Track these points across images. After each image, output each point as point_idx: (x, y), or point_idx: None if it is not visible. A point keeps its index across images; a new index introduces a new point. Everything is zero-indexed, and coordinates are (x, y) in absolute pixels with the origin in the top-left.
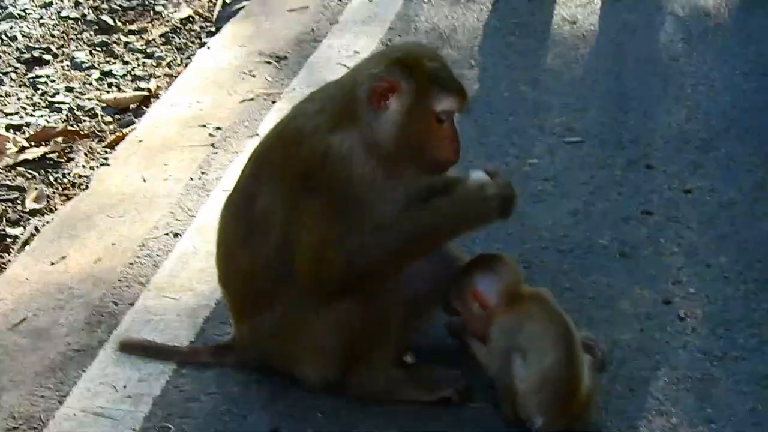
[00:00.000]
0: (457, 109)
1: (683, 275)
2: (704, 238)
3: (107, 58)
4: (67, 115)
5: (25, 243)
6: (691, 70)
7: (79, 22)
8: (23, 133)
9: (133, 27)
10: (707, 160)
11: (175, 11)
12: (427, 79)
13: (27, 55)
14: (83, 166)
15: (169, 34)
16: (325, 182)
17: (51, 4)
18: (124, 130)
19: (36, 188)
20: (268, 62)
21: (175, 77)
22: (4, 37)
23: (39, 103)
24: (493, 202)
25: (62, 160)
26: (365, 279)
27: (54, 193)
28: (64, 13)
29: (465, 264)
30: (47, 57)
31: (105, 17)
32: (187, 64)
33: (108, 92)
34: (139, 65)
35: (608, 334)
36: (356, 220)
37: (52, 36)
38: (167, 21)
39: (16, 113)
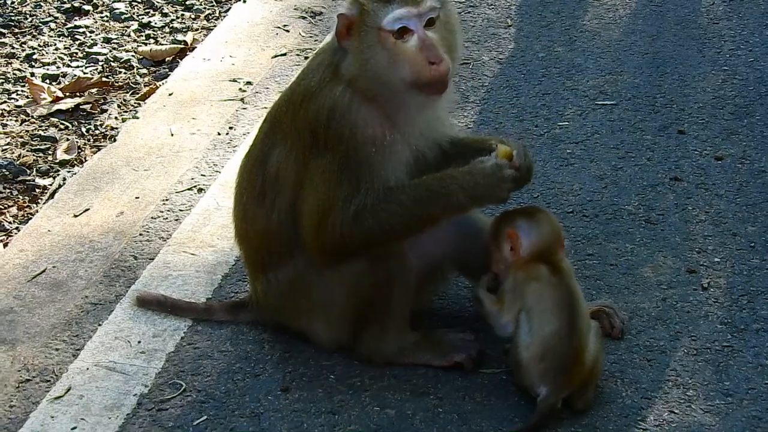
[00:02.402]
0: (408, 15)
1: (709, 244)
2: (733, 206)
3: (146, 10)
4: (103, 66)
5: (53, 194)
6: (731, 34)
7: None
8: (59, 83)
9: None
10: (741, 126)
11: None
12: (369, 0)
13: (67, 5)
14: (116, 118)
15: None
16: (331, 140)
17: None
18: (158, 83)
19: (68, 139)
20: (303, 17)
21: (212, 31)
22: None
23: (76, 53)
24: (507, 184)
25: (95, 112)
26: (370, 243)
27: (85, 144)
28: None
29: (516, 208)
30: (87, 7)
31: None
32: (224, 17)
33: (145, 44)
34: (177, 17)
35: (628, 302)
36: (363, 180)
37: None
38: None
39: (53, 63)
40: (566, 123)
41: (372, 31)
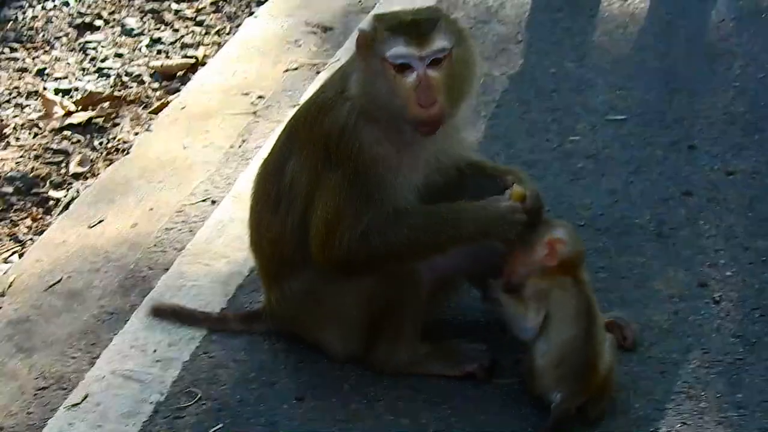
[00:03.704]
0: (409, 55)
1: (720, 258)
2: (744, 220)
3: (157, 25)
4: (114, 81)
5: (67, 206)
6: (741, 51)
7: None
8: (71, 97)
9: None
10: (752, 142)
11: None
12: (382, 26)
13: (78, 21)
14: (128, 132)
15: (219, 2)
16: (341, 155)
17: None
18: (170, 97)
19: (80, 152)
20: (314, 32)
21: (223, 45)
22: (56, 2)
23: (88, 68)
24: (516, 227)
25: (108, 125)
26: (375, 262)
27: (98, 157)
28: None
29: (550, 218)
30: (98, 23)
31: None
32: (235, 33)
33: (156, 59)
34: (188, 33)
35: (640, 314)
36: (373, 200)
37: (104, 2)
38: None
39: (65, 77)
40: (577, 138)
41: (377, 58)
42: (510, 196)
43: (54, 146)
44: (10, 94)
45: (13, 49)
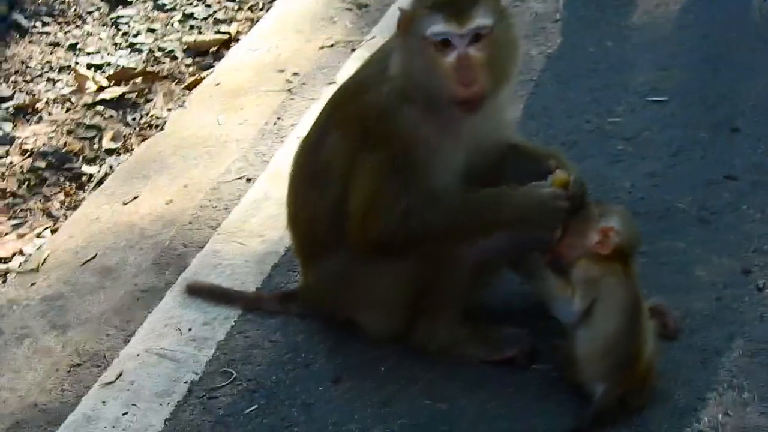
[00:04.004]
0: (449, 32)
1: (764, 244)
2: None
3: (190, 1)
4: (147, 56)
5: (100, 182)
6: None
7: None
8: (103, 72)
9: None
10: None
11: None
12: (422, 4)
13: None
14: (161, 108)
15: None
16: (379, 137)
17: None
18: (203, 73)
19: (113, 128)
20: (350, 9)
21: (257, 21)
22: None
23: (120, 43)
24: (558, 215)
25: (140, 101)
26: (412, 244)
27: (130, 133)
28: None
29: (606, 203)
30: None
31: None
32: (269, 8)
33: (189, 35)
34: (221, 8)
35: (682, 302)
36: (411, 182)
37: None
38: None
39: (97, 52)
40: (617, 119)
41: (417, 36)
42: (552, 182)
43: (87, 121)
44: (42, 68)
45: (45, 23)
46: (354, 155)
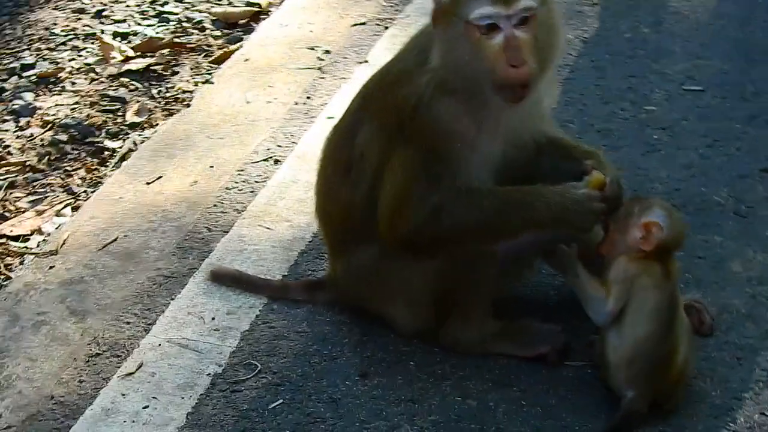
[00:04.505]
0: (496, 14)
1: None
2: None
3: None
4: (175, 27)
5: (123, 157)
6: None
7: None
8: (129, 42)
9: None
10: None
11: None
12: None
13: None
14: (187, 81)
15: None
16: (415, 130)
17: None
18: (232, 47)
19: (138, 101)
20: None
21: None
22: None
23: (148, 11)
24: (593, 217)
25: (167, 74)
26: (442, 241)
27: (156, 107)
28: None
29: (651, 198)
30: None
31: None
32: None
33: (218, 5)
34: None
35: (717, 297)
36: (445, 177)
37: None
38: None
39: (124, 21)
40: (653, 107)
41: (460, 23)
42: (588, 183)
43: (111, 93)
44: (66, 36)
45: None
46: (389, 148)
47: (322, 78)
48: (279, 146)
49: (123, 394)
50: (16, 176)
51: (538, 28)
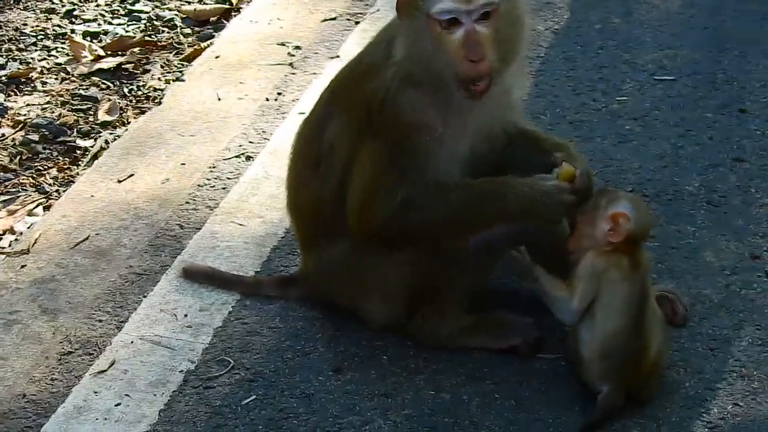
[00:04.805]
0: (456, 9)
1: None
2: None
3: None
4: (145, 25)
5: (95, 156)
6: None
7: None
8: (100, 41)
9: None
10: None
11: None
12: None
13: None
14: (158, 79)
15: None
16: (383, 123)
17: None
18: (203, 44)
19: (109, 99)
20: None
21: None
22: None
23: (118, 10)
24: (563, 209)
25: (138, 72)
26: (412, 235)
27: (127, 105)
28: None
29: (616, 190)
30: None
31: None
32: None
33: (189, 3)
34: None
35: (690, 287)
36: (412, 171)
37: None
38: None
39: (94, 20)
40: (624, 98)
41: (422, 16)
42: (558, 175)
43: (82, 92)
44: (36, 36)
45: None
46: (358, 141)
47: (293, 74)
48: (251, 142)
49: (95, 392)
50: None
51: (501, 21)
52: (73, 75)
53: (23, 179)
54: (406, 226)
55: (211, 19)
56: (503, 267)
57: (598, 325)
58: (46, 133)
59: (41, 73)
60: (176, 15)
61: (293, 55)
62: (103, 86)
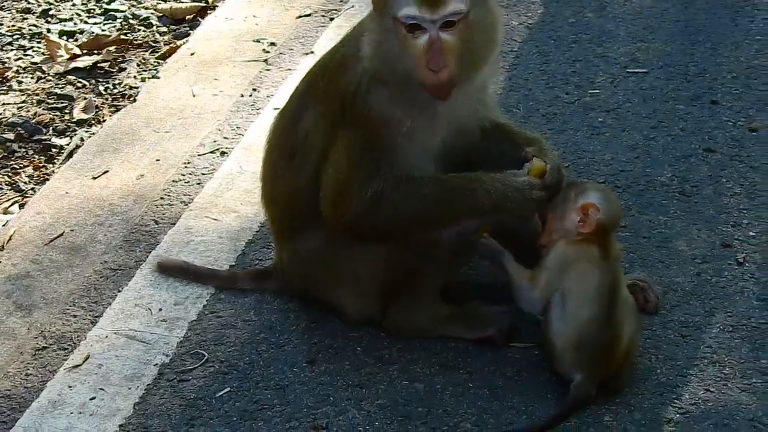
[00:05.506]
0: (418, 17)
1: (744, 218)
2: None
3: None
4: (121, 24)
5: (71, 154)
6: (764, 2)
7: None
8: (76, 40)
9: None
10: None
11: None
12: None
13: None
14: (134, 77)
15: None
16: (355, 116)
17: None
18: (179, 42)
19: (85, 98)
20: None
21: None
22: None
23: (94, 9)
24: (533, 204)
25: (113, 70)
26: (385, 230)
27: (103, 103)
28: None
29: (584, 181)
30: None
31: None
32: None
33: (165, 2)
34: None
35: (662, 276)
36: (384, 165)
37: None
38: None
39: (70, 19)
40: (597, 91)
41: (389, 17)
42: (528, 171)
43: (58, 91)
44: (12, 35)
45: None
46: (332, 133)
47: (268, 70)
48: (225, 138)
49: (70, 386)
50: None
51: (472, 27)
52: (49, 74)
53: None
54: (378, 221)
55: (188, 17)
56: (477, 258)
57: (570, 314)
58: (22, 131)
59: (17, 72)
60: (152, 13)
61: (268, 52)
62: (79, 85)
